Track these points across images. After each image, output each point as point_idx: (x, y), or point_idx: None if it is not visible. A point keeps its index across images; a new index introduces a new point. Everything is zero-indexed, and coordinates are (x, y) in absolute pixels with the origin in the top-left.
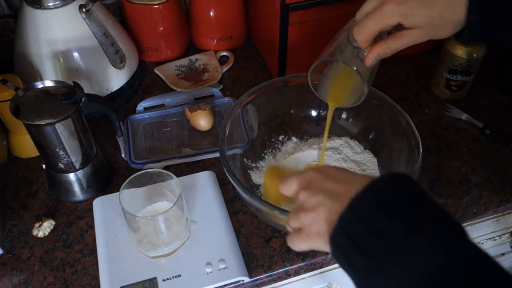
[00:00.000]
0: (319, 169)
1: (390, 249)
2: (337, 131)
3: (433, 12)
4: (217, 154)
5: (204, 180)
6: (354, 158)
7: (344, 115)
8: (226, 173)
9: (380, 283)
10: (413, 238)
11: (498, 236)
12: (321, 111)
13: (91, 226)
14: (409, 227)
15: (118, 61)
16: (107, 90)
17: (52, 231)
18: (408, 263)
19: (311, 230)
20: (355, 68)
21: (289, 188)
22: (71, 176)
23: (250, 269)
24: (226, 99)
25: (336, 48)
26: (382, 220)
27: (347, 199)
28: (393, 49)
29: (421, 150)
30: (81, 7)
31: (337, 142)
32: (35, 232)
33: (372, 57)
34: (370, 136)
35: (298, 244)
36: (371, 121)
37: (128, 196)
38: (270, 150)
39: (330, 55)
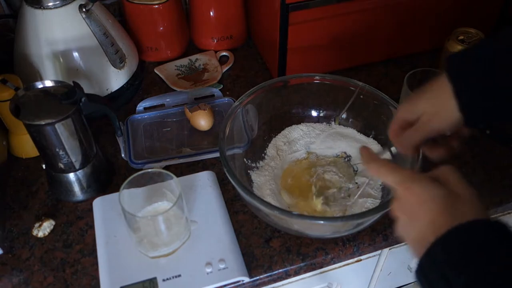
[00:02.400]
0: (405, 208)
1: None
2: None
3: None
4: (217, 154)
5: (204, 180)
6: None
7: (344, 115)
8: (226, 173)
9: None
10: None
11: None
12: (320, 111)
13: (91, 226)
14: (473, 280)
15: (118, 61)
16: (107, 90)
17: (52, 231)
18: None
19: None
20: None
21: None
22: (71, 176)
23: (250, 269)
24: (226, 99)
25: None
26: (452, 270)
27: (424, 245)
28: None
29: (420, 150)
30: (81, 7)
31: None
32: (35, 232)
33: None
34: (370, 136)
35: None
36: (371, 121)
37: (128, 196)
38: (270, 150)
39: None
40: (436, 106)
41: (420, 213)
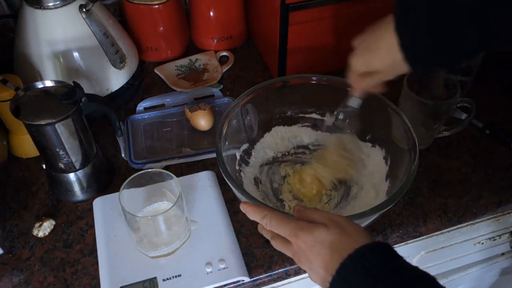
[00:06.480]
0: (301, 257)
1: None
2: (335, 132)
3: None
4: None
5: (204, 180)
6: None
7: (341, 116)
8: (222, 173)
9: None
10: None
11: (498, 236)
12: (321, 112)
13: (91, 226)
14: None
15: (118, 61)
16: (107, 90)
17: (52, 231)
18: None
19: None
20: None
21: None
22: (71, 176)
23: (250, 269)
24: (226, 99)
25: None
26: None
27: (326, 285)
28: (365, 85)
29: (418, 150)
30: (81, 7)
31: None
32: (35, 232)
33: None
34: (367, 137)
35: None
36: (368, 121)
37: (128, 196)
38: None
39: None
40: (389, 65)
41: (312, 257)
